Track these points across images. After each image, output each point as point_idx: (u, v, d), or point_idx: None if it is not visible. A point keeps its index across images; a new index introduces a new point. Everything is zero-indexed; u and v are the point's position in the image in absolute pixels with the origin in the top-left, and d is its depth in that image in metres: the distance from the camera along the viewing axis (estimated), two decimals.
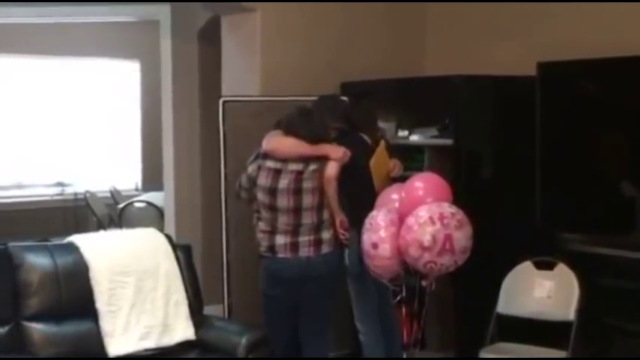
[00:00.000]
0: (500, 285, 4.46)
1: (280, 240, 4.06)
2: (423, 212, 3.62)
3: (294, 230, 4.05)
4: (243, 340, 3.88)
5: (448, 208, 3.64)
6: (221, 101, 4.84)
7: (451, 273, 4.50)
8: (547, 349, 4.22)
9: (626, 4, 4.62)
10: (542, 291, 4.38)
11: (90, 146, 9.16)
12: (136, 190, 9.34)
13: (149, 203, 7.86)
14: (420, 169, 4.66)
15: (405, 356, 4.07)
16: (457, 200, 4.04)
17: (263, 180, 4.06)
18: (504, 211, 4.66)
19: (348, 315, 5.05)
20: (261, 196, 4.07)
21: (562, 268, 4.36)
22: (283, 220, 4.04)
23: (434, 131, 5.00)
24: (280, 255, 4.06)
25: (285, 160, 4.04)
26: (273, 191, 4.03)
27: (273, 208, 4.04)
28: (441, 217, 3.59)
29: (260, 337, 3.92)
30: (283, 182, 4.01)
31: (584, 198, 4.60)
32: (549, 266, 4.41)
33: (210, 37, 5.98)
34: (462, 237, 3.61)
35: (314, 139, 4.05)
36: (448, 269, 3.69)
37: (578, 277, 4.28)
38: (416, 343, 4.12)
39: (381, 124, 5.27)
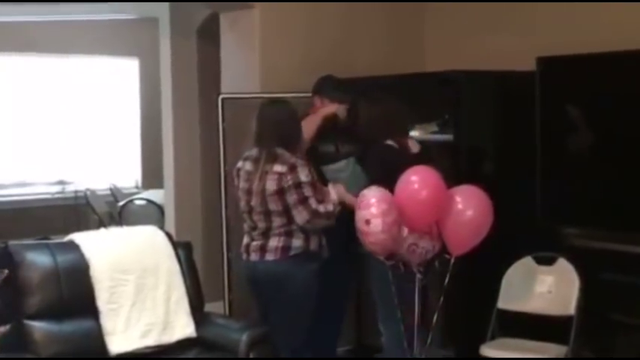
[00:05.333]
0: (501, 280, 4.46)
1: (244, 241, 4.14)
2: None
3: (250, 233, 4.09)
4: (244, 338, 3.88)
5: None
6: (220, 98, 4.84)
7: (452, 269, 4.51)
8: (548, 344, 4.22)
9: None
10: (542, 286, 4.38)
11: (90, 144, 9.17)
12: (136, 187, 9.36)
13: (149, 201, 7.87)
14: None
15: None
16: None
17: (235, 180, 4.17)
18: (505, 206, 4.65)
19: (349, 311, 5.06)
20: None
21: (562, 263, 4.36)
22: (247, 222, 4.10)
23: (434, 127, 4.99)
24: (243, 256, 4.15)
25: (246, 159, 4.07)
26: (239, 191, 4.11)
27: (240, 209, 4.14)
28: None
29: (261, 335, 3.92)
30: (241, 183, 4.08)
31: (584, 192, 4.60)
32: (550, 261, 4.41)
33: (209, 35, 5.97)
34: None
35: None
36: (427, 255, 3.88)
37: (578, 271, 4.28)
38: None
39: None
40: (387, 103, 4.30)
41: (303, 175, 3.91)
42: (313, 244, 4.01)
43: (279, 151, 3.96)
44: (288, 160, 3.93)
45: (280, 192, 3.90)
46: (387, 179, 3.89)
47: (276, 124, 4.02)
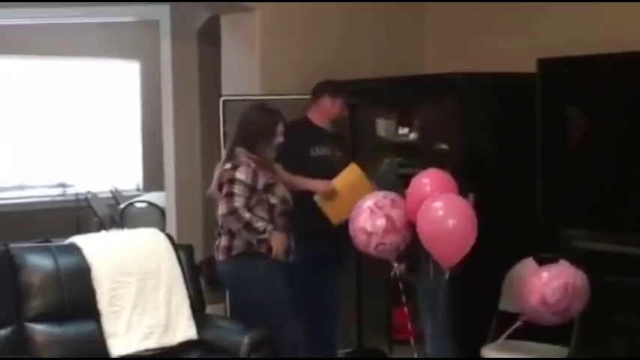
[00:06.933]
0: (502, 282, 4.45)
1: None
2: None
3: (215, 230, 4.18)
4: (246, 340, 3.87)
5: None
6: (221, 100, 4.85)
7: (453, 270, 4.53)
8: (549, 345, 4.22)
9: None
10: None
11: (91, 147, 9.17)
12: (137, 190, 9.35)
13: (150, 203, 7.87)
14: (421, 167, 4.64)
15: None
16: None
17: None
18: (506, 208, 4.66)
19: (351, 313, 5.07)
20: None
21: (564, 265, 4.35)
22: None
23: None
24: None
25: None
26: None
27: None
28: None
29: (262, 337, 3.91)
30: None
31: (585, 194, 4.60)
32: (551, 263, 4.39)
33: (209, 37, 5.98)
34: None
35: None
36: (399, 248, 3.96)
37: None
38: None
39: (382, 122, 5.29)
40: (438, 108, 4.41)
41: (242, 174, 4.00)
42: (258, 245, 4.05)
43: (238, 150, 4.10)
44: (237, 159, 4.06)
45: (220, 186, 4.05)
46: None
47: (239, 125, 4.18)
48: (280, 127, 4.19)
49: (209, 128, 5.53)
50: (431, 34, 5.92)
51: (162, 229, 4.78)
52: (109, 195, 8.87)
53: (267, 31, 5.23)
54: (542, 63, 4.60)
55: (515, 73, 4.76)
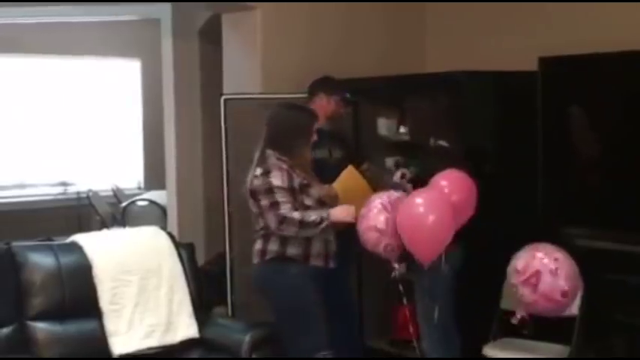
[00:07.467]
0: (503, 280, 4.45)
1: None
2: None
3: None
4: (247, 338, 3.88)
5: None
6: (222, 99, 4.85)
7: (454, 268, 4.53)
8: (551, 344, 4.22)
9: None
10: None
11: (92, 145, 9.17)
12: (139, 188, 9.36)
13: (152, 202, 7.87)
14: (421, 166, 4.64)
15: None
16: None
17: None
18: (507, 206, 4.66)
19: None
20: None
21: None
22: None
23: None
24: None
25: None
26: None
27: None
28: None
29: (264, 335, 3.92)
30: None
31: (586, 192, 4.60)
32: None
33: (211, 36, 5.99)
34: None
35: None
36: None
37: (581, 271, 4.26)
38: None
39: (383, 121, 5.29)
40: (435, 103, 4.34)
41: (277, 179, 3.85)
42: (292, 250, 3.92)
43: (268, 152, 3.94)
44: (269, 163, 3.91)
45: (254, 194, 3.89)
46: None
47: (270, 126, 4.00)
48: (316, 126, 4.07)
49: (210, 127, 5.53)
50: (431, 33, 5.92)
51: (164, 228, 4.78)
52: (111, 193, 8.89)
53: (268, 29, 5.23)
54: (544, 61, 4.60)
55: (517, 71, 4.75)
